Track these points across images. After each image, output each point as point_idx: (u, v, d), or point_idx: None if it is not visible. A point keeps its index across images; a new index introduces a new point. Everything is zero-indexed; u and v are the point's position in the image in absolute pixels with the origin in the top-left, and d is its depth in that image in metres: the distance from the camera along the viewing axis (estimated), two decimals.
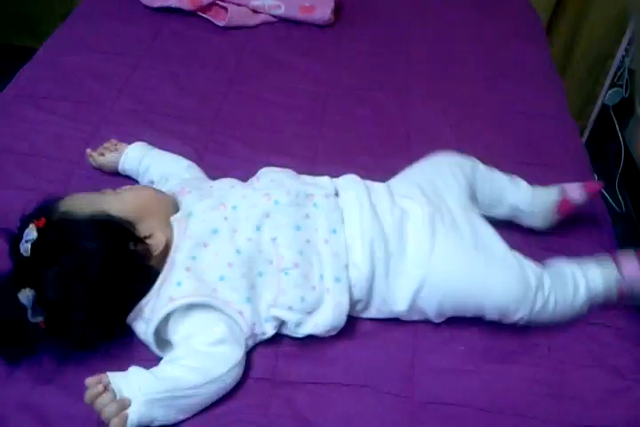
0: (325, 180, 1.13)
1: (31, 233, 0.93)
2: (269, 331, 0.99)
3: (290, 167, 1.18)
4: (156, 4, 1.77)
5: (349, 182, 1.12)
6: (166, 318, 0.95)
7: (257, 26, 1.77)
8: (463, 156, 1.21)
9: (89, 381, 0.87)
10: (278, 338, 1.01)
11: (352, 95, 1.55)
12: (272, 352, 1.00)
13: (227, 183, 1.12)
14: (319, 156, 1.37)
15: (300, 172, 1.16)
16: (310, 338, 1.00)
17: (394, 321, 1.06)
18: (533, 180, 1.24)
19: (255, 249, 1.00)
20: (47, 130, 1.36)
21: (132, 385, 0.88)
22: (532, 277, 1.04)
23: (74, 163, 1.29)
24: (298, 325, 0.99)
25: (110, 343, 0.98)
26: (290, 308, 0.97)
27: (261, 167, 1.16)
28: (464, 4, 1.94)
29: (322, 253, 1.01)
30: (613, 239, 1.26)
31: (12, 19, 2.51)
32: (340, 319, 1.00)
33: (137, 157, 1.24)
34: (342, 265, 1.01)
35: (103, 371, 0.91)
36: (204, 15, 1.75)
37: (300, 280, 0.98)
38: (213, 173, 1.23)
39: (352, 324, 1.04)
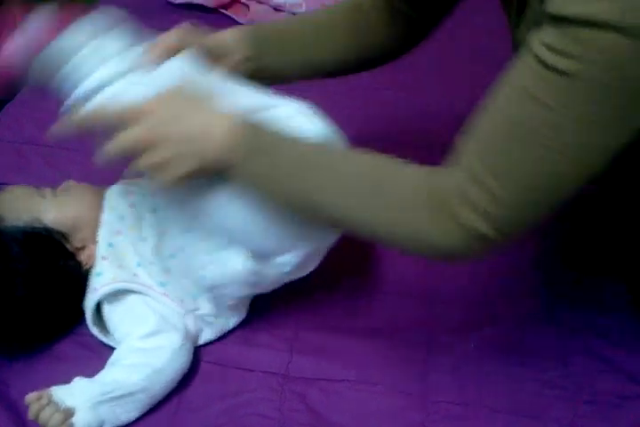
0: None
1: None
2: (203, 305, 0.98)
3: None
4: (178, 1, 1.78)
5: None
6: (100, 313, 0.96)
7: None
8: None
9: (29, 397, 0.86)
10: (292, 334, 1.02)
11: (362, 94, 1.54)
12: (286, 347, 1.00)
13: None
14: None
15: None
16: (325, 335, 1.01)
17: (407, 321, 1.06)
18: None
19: (158, 234, 0.99)
20: None
21: (74, 394, 0.87)
22: None
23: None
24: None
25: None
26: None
27: None
28: None
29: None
30: None
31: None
32: None
33: None
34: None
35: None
36: (225, 12, 1.75)
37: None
38: None
39: (365, 323, 1.05)
